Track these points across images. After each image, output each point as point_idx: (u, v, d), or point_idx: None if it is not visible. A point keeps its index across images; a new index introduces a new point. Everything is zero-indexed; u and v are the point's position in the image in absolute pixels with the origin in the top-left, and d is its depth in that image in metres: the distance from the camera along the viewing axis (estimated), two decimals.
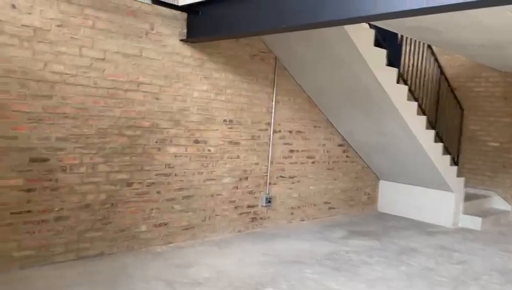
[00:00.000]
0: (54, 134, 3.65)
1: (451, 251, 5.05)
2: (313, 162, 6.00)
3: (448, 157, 6.14)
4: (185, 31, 4.38)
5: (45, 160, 3.62)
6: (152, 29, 4.18)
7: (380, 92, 5.09)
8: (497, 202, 7.17)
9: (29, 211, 3.57)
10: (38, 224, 3.62)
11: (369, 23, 4.95)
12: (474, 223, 6.23)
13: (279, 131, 5.52)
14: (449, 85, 6.71)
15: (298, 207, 5.87)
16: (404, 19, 3.74)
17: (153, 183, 4.33)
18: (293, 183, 5.76)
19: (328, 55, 4.91)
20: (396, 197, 6.82)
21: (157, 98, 4.28)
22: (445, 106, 6.81)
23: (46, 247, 3.68)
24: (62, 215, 3.75)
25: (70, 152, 3.75)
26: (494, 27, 4.34)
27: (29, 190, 3.56)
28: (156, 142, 4.32)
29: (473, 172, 7.44)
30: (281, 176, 5.60)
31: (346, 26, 4.40)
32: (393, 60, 5.30)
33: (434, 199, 6.36)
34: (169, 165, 4.44)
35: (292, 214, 5.80)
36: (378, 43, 4.91)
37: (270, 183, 5.45)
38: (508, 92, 7.10)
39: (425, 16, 3.48)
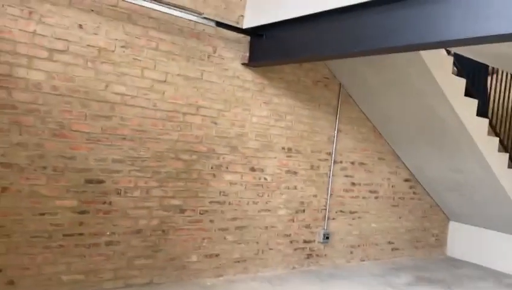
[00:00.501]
0: (111, 156, 3.57)
1: None
2: (376, 197, 5.53)
3: None
4: (247, 54, 4.23)
5: (100, 182, 3.54)
6: (214, 52, 4.06)
7: (456, 125, 4.60)
8: None
9: (81, 234, 3.47)
10: (89, 248, 3.52)
11: (446, 49, 4.53)
12: None
13: (341, 162, 5.15)
14: None
15: (358, 246, 5.40)
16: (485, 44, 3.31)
17: (206, 211, 4.13)
18: (353, 219, 5.33)
19: (399, 82, 4.53)
20: (469, 241, 6.11)
21: (215, 123, 4.12)
22: None
23: (95, 272, 3.56)
24: (113, 240, 3.63)
25: (126, 175, 3.65)
26: None
27: (82, 212, 3.47)
28: (212, 168, 4.13)
29: None
30: (340, 211, 5.20)
31: (421, 52, 4.03)
32: (476, 92, 4.80)
33: None
34: (223, 192, 4.23)
35: (351, 253, 5.33)
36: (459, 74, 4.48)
37: (328, 218, 5.06)
38: None
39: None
